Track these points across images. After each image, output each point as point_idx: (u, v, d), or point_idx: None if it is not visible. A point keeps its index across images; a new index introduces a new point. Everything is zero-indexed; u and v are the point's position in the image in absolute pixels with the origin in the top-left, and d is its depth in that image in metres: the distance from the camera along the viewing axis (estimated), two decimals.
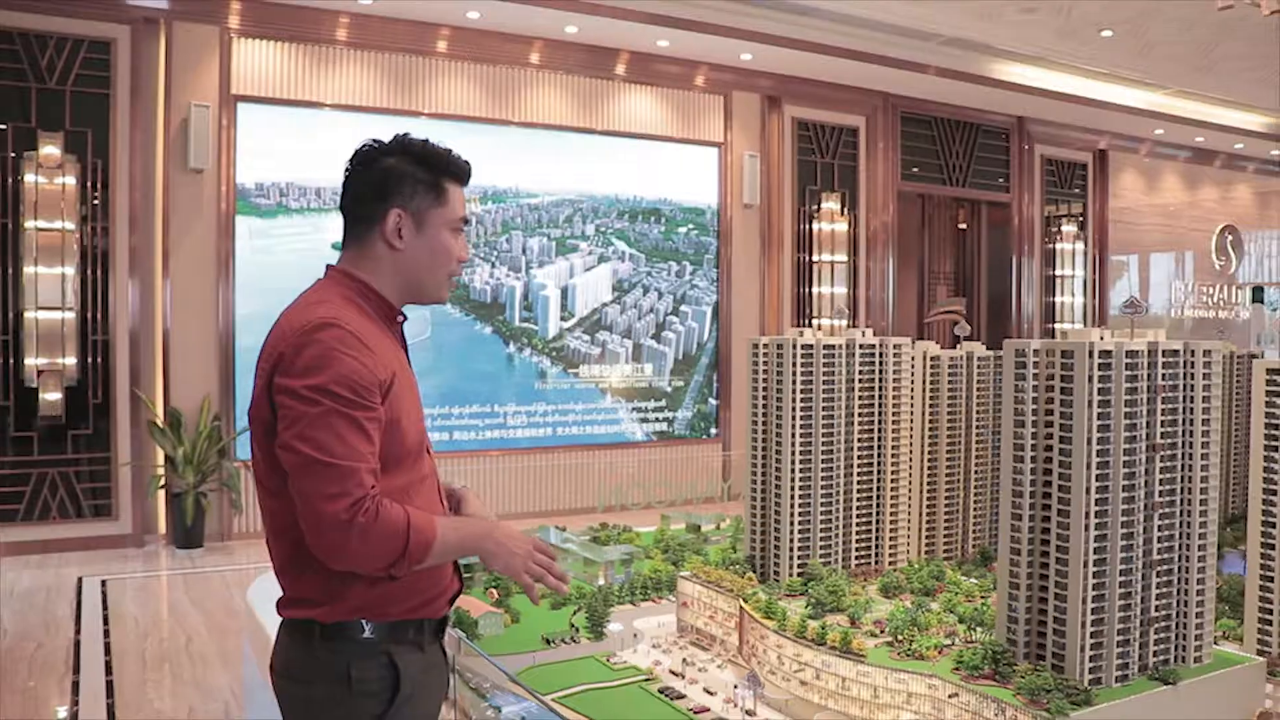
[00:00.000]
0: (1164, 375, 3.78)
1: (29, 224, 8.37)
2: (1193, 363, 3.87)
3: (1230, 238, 16.78)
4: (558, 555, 2.33)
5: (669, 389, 11.37)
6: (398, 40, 9.75)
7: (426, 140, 2.24)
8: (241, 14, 9.11)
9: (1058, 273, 14.43)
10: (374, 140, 2.24)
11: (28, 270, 8.39)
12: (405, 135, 2.24)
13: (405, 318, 2.31)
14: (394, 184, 2.19)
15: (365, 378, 2.01)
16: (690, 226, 11.55)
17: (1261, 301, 15.79)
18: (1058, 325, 14.42)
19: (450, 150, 2.26)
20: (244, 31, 9.17)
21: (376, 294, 2.21)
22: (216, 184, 9.08)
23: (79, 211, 8.59)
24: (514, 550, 2.14)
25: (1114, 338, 3.75)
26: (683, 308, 11.52)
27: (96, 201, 8.71)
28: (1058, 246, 14.43)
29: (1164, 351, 3.79)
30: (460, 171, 2.27)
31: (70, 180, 8.48)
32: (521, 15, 9.66)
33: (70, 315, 8.55)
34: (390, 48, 9.76)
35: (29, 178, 8.36)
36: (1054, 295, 14.44)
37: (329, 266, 2.26)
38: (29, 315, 8.42)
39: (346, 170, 2.24)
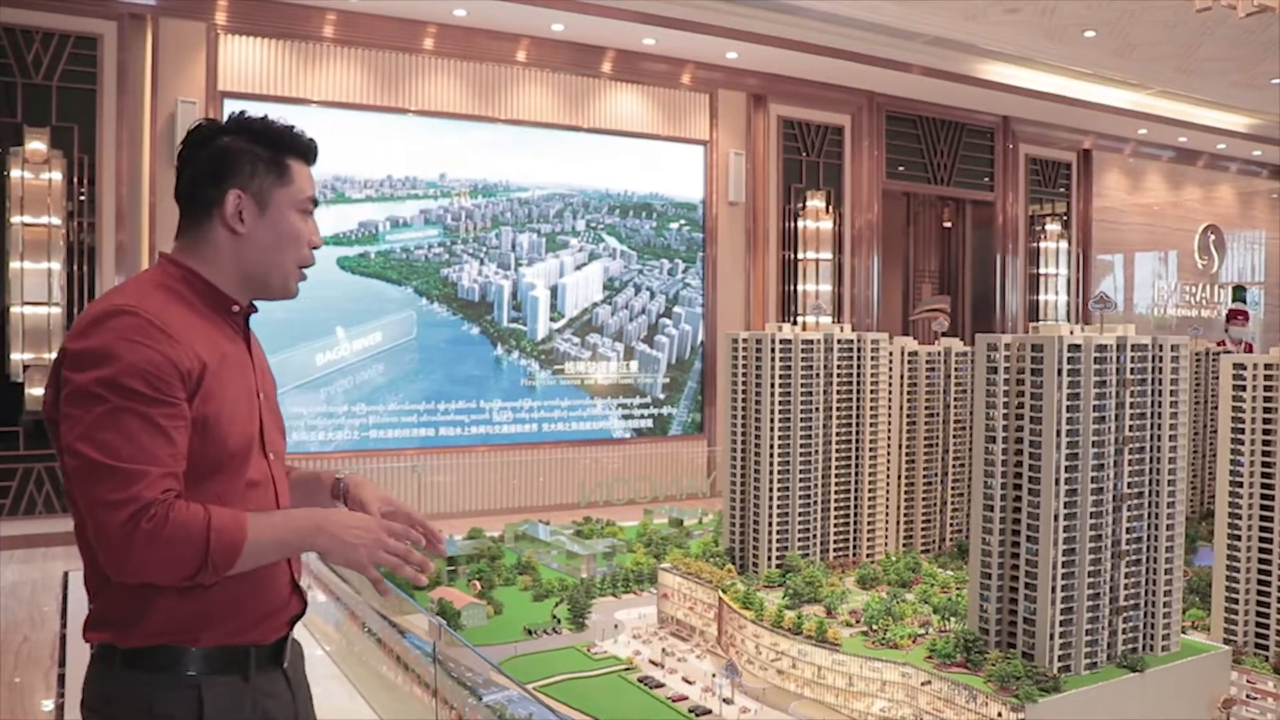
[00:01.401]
0: (1132, 369, 3.85)
1: (15, 219, 8.36)
2: (1160, 357, 3.94)
3: (1213, 237, 16.91)
4: (439, 539, 2.07)
5: (662, 395, 11.38)
6: (385, 37, 9.77)
7: (266, 116, 2.05)
8: (228, 10, 9.12)
9: (1042, 271, 14.52)
10: (208, 119, 2.06)
11: (14, 265, 8.38)
12: (242, 112, 2.06)
13: (245, 309, 2.09)
14: (232, 163, 1.99)
15: (163, 369, 1.78)
16: (682, 222, 11.55)
17: (1243, 300, 15.91)
18: (1041, 323, 14.46)
19: (293, 126, 2.06)
20: (231, 28, 9.18)
21: (203, 280, 1.99)
22: None
23: (65, 207, 8.58)
24: (352, 542, 1.88)
25: (1085, 333, 3.82)
26: (676, 309, 11.49)
27: (83, 197, 8.71)
28: (1042, 245, 14.52)
29: (1132, 346, 3.86)
30: (304, 148, 2.07)
31: (56, 175, 8.48)
32: (508, 13, 9.69)
33: (56, 310, 8.54)
34: (377, 45, 9.78)
35: (15, 173, 8.35)
36: (1038, 293, 14.54)
37: (161, 254, 2.05)
38: (15, 310, 8.41)
39: (180, 152, 2.04)
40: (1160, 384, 3.91)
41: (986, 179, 14.00)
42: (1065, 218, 14.83)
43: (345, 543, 1.87)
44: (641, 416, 11.26)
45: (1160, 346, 3.92)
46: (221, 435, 1.89)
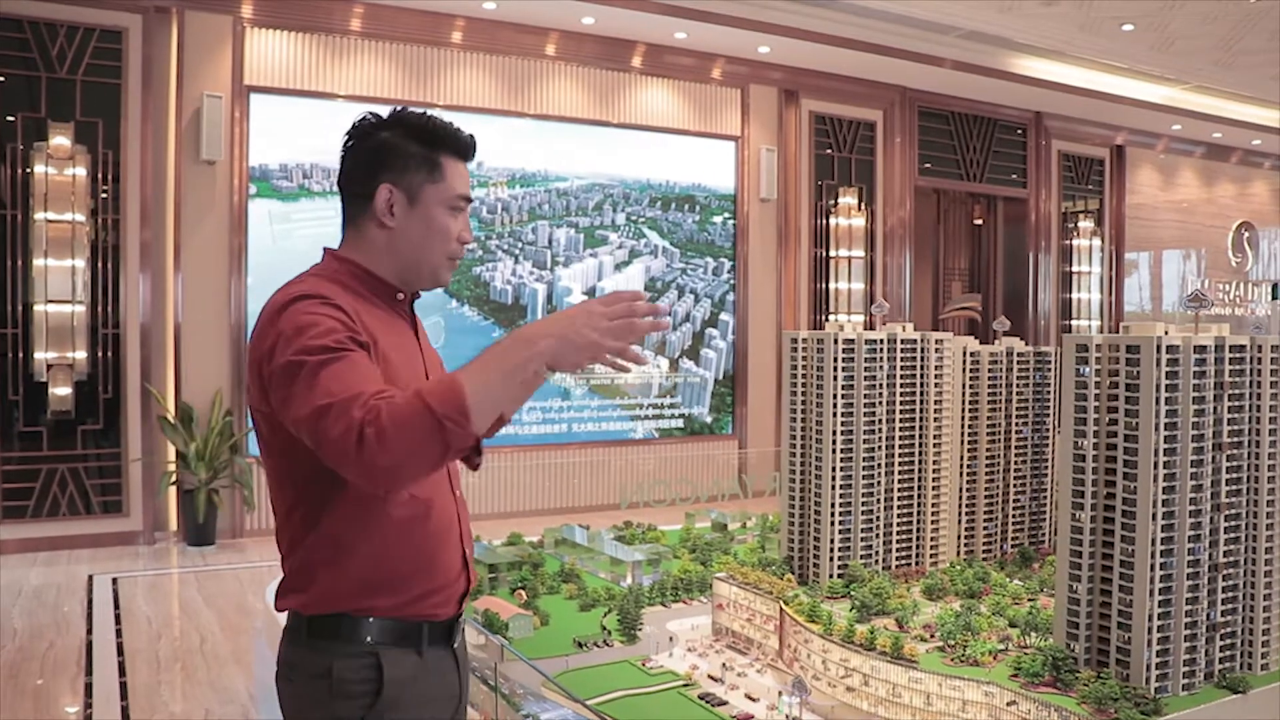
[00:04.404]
0: (1230, 371, 3.64)
1: (39, 216, 8.21)
2: (1259, 358, 3.72)
3: (1247, 234, 16.62)
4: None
5: (709, 418, 11.12)
6: (412, 31, 9.60)
7: (426, 113, 2.10)
8: (254, 3, 8.95)
9: (1074, 269, 14.26)
10: (372, 114, 2.11)
11: (37, 263, 8.23)
12: (404, 109, 2.11)
13: (408, 296, 2.14)
14: (387, 159, 2.05)
15: (343, 330, 1.85)
16: (726, 215, 11.29)
17: (1276, 298, 15.68)
18: (1074, 322, 14.25)
19: (452, 124, 2.11)
20: (257, 21, 9.02)
21: (367, 272, 2.07)
22: (229, 176, 8.93)
23: (89, 203, 8.42)
24: (574, 335, 1.71)
25: (1179, 332, 3.61)
26: (723, 316, 11.19)
27: (106, 194, 8.55)
28: (1074, 243, 14.25)
29: (1231, 347, 3.65)
30: (461, 145, 2.10)
31: (81, 171, 8.32)
32: (537, 6, 9.52)
33: (80, 309, 8.39)
34: (404, 38, 9.61)
35: (39, 169, 8.19)
36: (1070, 292, 14.28)
37: (326, 250, 2.13)
38: (39, 308, 8.25)
39: (343, 144, 2.11)
40: (1259, 387, 3.70)
41: (1017, 175, 13.76)
42: (1098, 214, 14.57)
43: (568, 338, 1.71)
44: (671, 417, 11.03)
45: (1259, 347, 3.71)
46: None
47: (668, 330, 10.90)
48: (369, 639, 1.95)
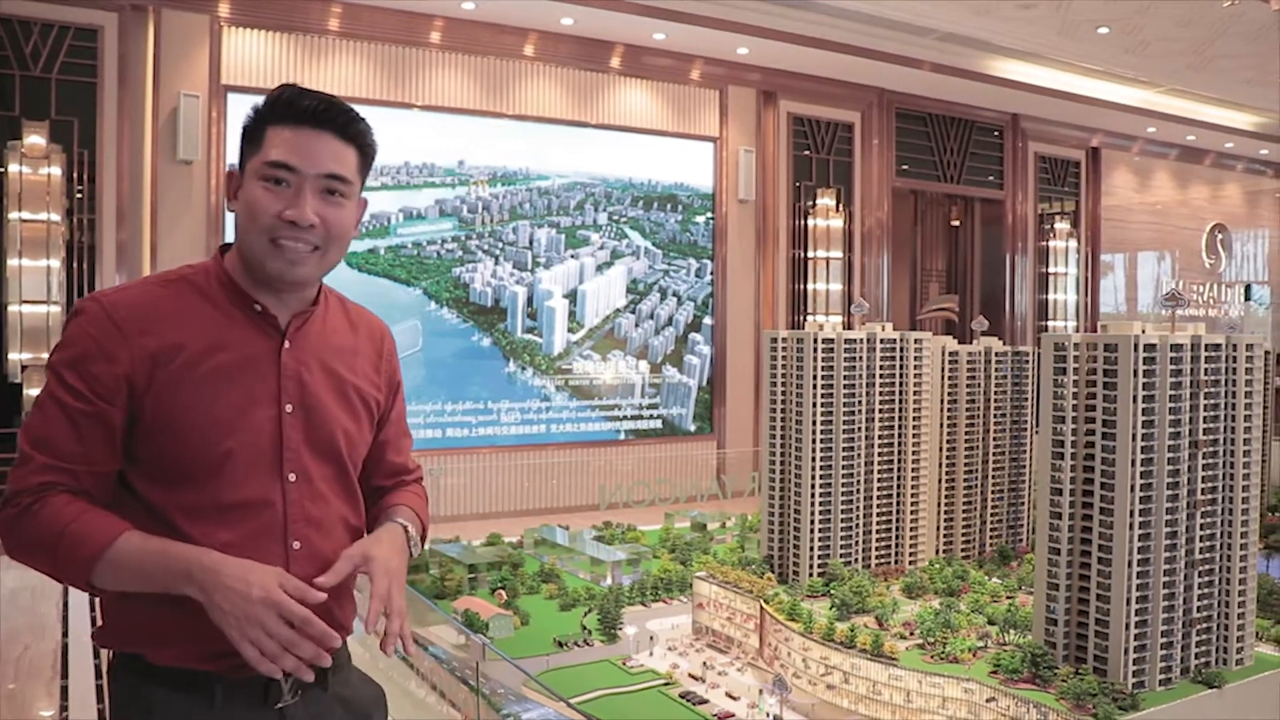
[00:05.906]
0: (1206, 370, 3.68)
1: (13, 215, 8.11)
2: (1234, 357, 3.76)
3: (1220, 236, 16.79)
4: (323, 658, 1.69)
5: (692, 428, 11.10)
6: (390, 31, 9.56)
7: (287, 84, 1.87)
8: (231, 2, 8.90)
9: (1051, 270, 14.36)
10: None
11: (11, 263, 8.14)
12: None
13: (270, 307, 1.85)
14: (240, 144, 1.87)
15: (96, 366, 1.70)
16: (708, 215, 11.28)
17: (1249, 299, 15.85)
18: (1051, 323, 14.35)
19: (287, 88, 1.85)
20: (234, 20, 8.96)
21: (227, 275, 1.85)
22: (206, 176, 8.86)
23: (64, 203, 8.34)
24: (222, 607, 1.61)
25: (1156, 331, 3.64)
26: (706, 320, 11.16)
27: (81, 194, 8.47)
28: (1051, 244, 14.36)
29: (1206, 346, 3.68)
30: (287, 108, 1.81)
31: (55, 171, 8.23)
32: (516, 7, 9.51)
33: (55, 309, 8.30)
34: (383, 38, 9.57)
35: (13, 168, 8.10)
36: (1047, 293, 14.38)
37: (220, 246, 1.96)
38: (13, 309, 8.16)
39: None
40: (1234, 385, 3.73)
41: (994, 177, 13.84)
42: (1074, 216, 14.68)
43: (215, 604, 1.63)
44: (650, 418, 11.03)
45: (1234, 346, 3.75)
46: (185, 443, 1.74)
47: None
48: (150, 683, 1.77)
